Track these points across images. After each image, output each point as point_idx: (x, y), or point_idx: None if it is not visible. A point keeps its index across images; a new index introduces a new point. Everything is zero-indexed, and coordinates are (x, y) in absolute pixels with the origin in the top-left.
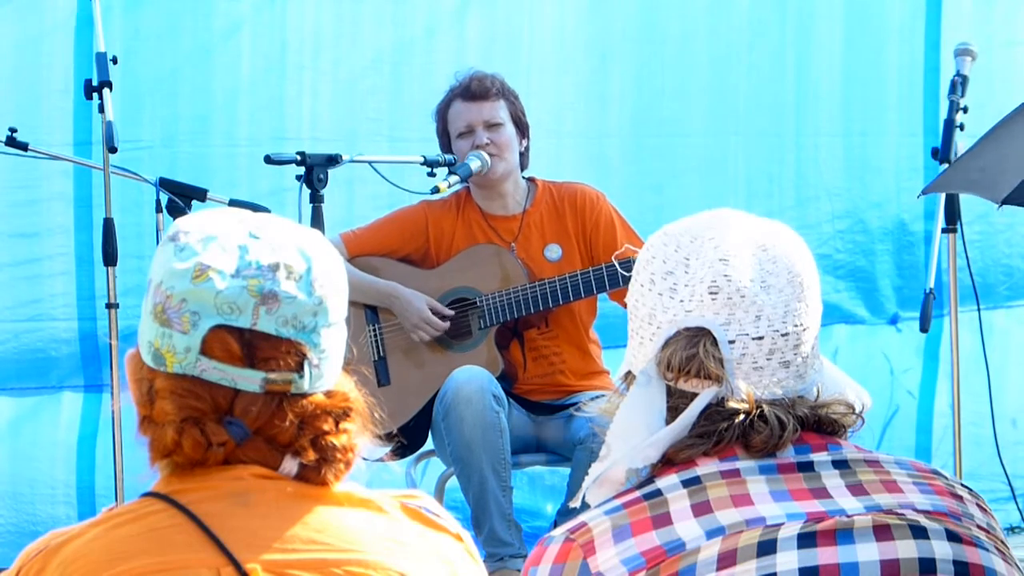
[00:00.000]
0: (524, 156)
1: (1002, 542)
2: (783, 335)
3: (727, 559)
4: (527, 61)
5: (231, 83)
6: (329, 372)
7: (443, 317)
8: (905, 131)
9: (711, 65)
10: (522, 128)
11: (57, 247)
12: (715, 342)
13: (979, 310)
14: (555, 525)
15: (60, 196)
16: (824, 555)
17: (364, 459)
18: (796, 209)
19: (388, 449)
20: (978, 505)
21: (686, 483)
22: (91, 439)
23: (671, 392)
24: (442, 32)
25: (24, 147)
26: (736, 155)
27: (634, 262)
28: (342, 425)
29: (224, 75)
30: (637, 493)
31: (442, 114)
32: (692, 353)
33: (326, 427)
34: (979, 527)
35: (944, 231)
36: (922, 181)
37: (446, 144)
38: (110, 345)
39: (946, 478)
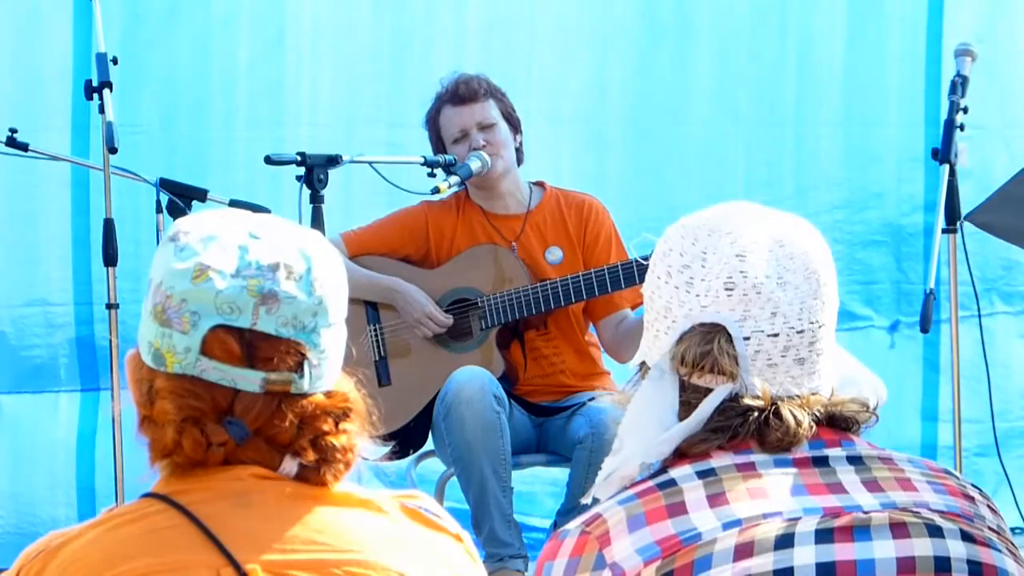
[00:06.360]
0: (519, 152)
1: (1011, 543)
2: (798, 332)
3: (744, 551)
4: (528, 48)
5: (229, 68)
6: (329, 372)
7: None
8: (906, 121)
9: (712, 54)
10: (514, 124)
11: (54, 252)
12: (730, 339)
13: (979, 310)
14: (555, 526)
15: (58, 200)
16: (841, 551)
17: (364, 459)
18: (795, 199)
19: (388, 449)
20: (988, 506)
21: (701, 474)
22: (90, 438)
23: (684, 387)
24: (442, 18)
25: (24, 147)
26: (736, 144)
27: (634, 263)
28: (342, 425)
29: (222, 60)
30: (651, 483)
31: (433, 122)
32: (706, 349)
33: (326, 427)
34: (990, 528)
35: (944, 231)
36: (922, 172)
37: (441, 151)
38: (110, 345)
39: (957, 478)
